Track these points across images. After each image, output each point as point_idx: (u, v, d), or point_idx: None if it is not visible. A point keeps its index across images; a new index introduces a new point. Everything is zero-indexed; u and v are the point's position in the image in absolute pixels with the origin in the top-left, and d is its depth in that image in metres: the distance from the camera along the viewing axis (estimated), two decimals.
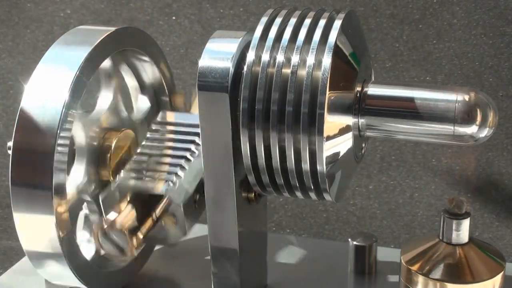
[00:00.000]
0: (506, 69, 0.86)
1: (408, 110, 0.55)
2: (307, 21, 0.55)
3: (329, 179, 0.55)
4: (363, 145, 0.60)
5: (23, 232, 0.57)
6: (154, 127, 0.65)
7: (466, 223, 0.59)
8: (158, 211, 0.61)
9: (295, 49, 0.54)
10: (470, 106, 0.53)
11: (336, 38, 0.54)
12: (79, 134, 0.61)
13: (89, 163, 0.62)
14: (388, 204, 0.91)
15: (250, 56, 0.55)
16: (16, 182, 0.56)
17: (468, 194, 0.89)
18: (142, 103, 0.68)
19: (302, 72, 0.53)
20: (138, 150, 0.64)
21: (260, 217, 0.63)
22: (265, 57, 0.54)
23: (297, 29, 0.55)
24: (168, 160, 0.63)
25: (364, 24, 0.88)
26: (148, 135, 0.65)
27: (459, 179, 0.89)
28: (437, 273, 0.58)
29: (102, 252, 0.62)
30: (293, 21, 0.56)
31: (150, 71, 0.67)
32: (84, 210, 0.63)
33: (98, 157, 0.62)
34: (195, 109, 0.64)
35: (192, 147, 0.63)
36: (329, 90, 0.52)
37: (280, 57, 0.54)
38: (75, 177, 0.61)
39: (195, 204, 0.62)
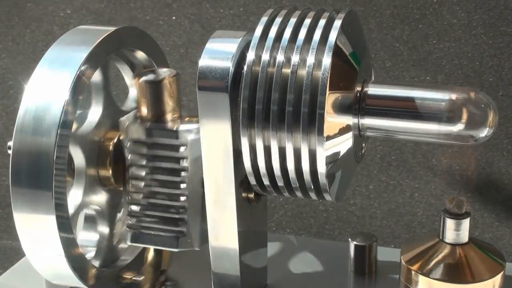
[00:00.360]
0: (506, 69, 0.86)
1: (408, 110, 0.54)
2: (307, 21, 0.55)
3: (329, 179, 0.55)
4: (363, 145, 0.60)
5: (23, 232, 0.57)
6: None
7: (466, 223, 0.59)
8: None
9: (295, 49, 0.54)
10: (470, 106, 0.53)
11: (336, 38, 0.54)
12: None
13: (90, 163, 0.62)
14: (388, 204, 0.91)
15: (250, 56, 0.55)
16: (16, 182, 0.56)
17: (468, 194, 0.89)
18: None
19: (302, 72, 0.53)
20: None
21: (260, 217, 0.63)
22: (265, 57, 0.54)
23: (297, 29, 0.55)
24: (166, 203, 0.62)
25: (364, 24, 0.88)
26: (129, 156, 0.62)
27: (459, 179, 0.89)
28: (437, 273, 0.58)
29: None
30: (293, 21, 0.56)
31: None
32: (85, 210, 0.63)
33: (98, 157, 0.62)
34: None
35: (177, 178, 0.61)
36: (329, 90, 0.52)
37: (280, 57, 0.54)
38: (76, 177, 0.61)
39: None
